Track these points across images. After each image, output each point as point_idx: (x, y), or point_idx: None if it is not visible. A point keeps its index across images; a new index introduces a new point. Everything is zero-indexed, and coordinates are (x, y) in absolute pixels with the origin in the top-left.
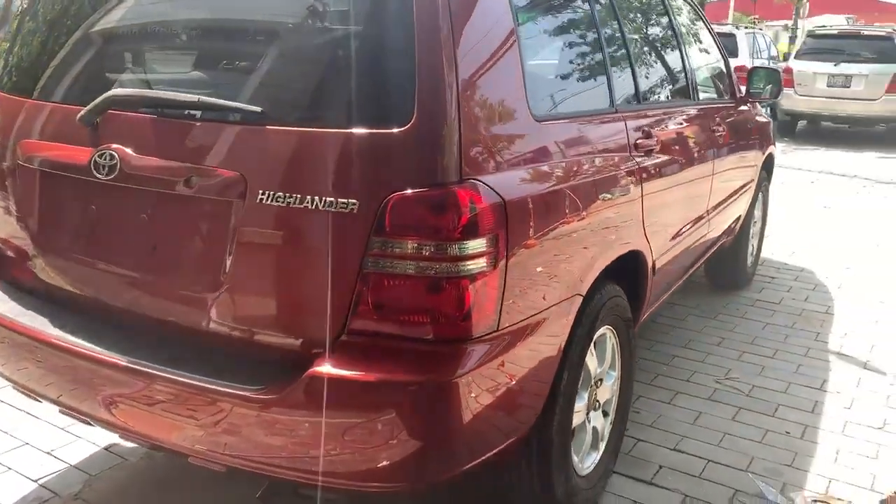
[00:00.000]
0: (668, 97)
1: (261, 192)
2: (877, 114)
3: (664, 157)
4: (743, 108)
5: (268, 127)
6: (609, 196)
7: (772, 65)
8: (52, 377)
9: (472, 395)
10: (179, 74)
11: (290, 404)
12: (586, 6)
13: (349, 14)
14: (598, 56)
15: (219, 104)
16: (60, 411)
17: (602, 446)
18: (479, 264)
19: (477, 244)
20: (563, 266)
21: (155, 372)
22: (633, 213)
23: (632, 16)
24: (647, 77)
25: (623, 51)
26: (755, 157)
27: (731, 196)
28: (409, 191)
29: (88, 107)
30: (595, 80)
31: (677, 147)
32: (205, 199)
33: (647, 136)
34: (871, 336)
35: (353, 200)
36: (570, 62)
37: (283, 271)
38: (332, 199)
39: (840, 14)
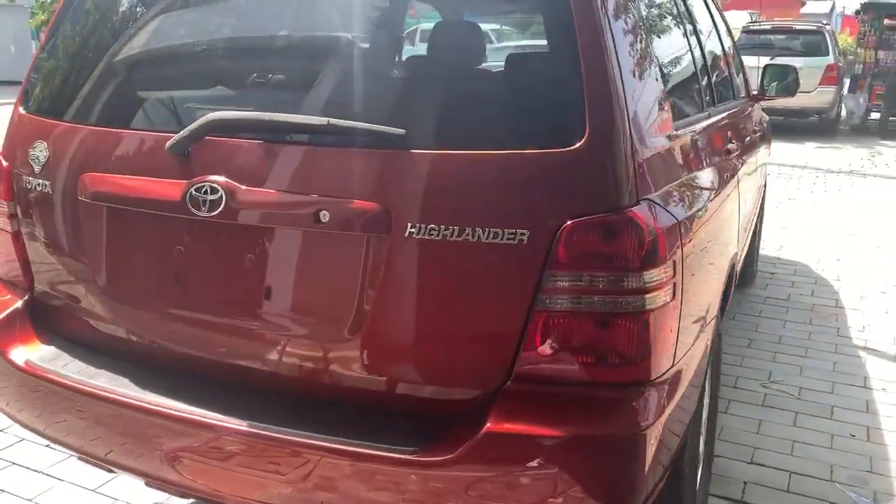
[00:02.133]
0: (725, 98)
1: (409, 225)
2: (812, 105)
3: (742, 159)
4: (754, 105)
5: (413, 151)
6: (731, 205)
7: None
8: (141, 446)
9: (655, 441)
10: (281, 94)
11: (464, 466)
12: (675, 11)
13: (503, 24)
14: (693, 63)
15: (354, 127)
16: (148, 483)
17: (701, 467)
18: (662, 295)
19: (659, 273)
20: (709, 285)
21: (286, 437)
22: (734, 220)
23: (698, 17)
24: (715, 79)
25: (700, 55)
26: (766, 154)
27: (757, 193)
28: (585, 216)
29: (184, 132)
30: (694, 86)
31: (740, 148)
32: (337, 236)
33: (730, 139)
34: (889, 328)
35: (523, 230)
36: (676, 70)
37: (436, 314)
38: (497, 229)
39: (744, 10)
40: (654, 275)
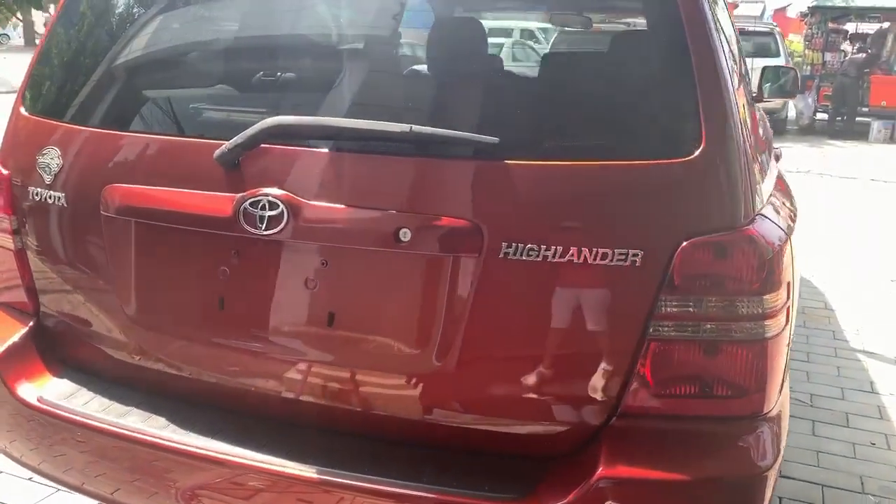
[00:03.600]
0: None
1: (505, 244)
2: (763, 107)
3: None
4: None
5: (508, 162)
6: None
7: None
8: (189, 497)
9: (774, 481)
10: (340, 97)
11: None
12: (724, 13)
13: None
14: (744, 65)
15: (440, 135)
16: None
17: None
18: (779, 320)
19: (777, 296)
20: (794, 306)
21: (365, 484)
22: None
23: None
24: (748, 78)
25: (739, 56)
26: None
27: None
28: (703, 234)
29: (237, 139)
30: (749, 89)
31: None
32: (419, 257)
33: (770, 144)
34: (882, 330)
35: (636, 250)
36: (741, 73)
37: (533, 346)
38: (606, 249)
39: None
40: (772, 299)
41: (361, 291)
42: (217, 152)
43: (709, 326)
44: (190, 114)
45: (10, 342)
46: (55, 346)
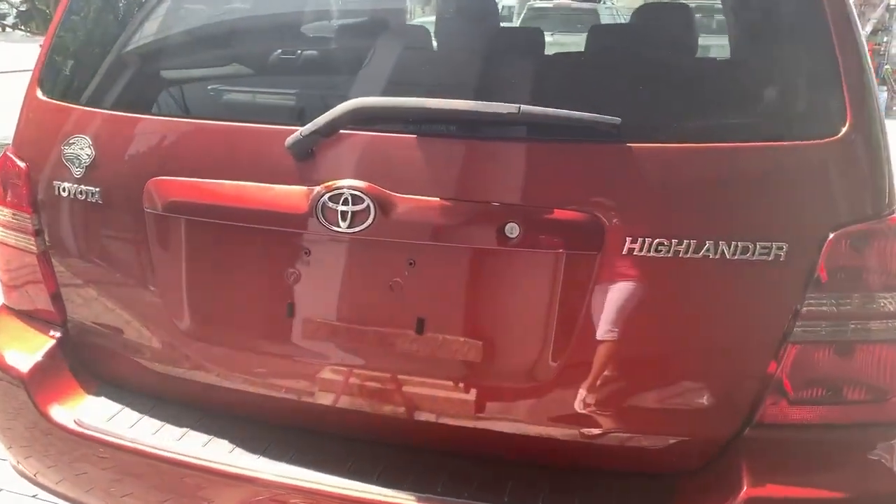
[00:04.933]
0: None
1: (629, 240)
2: None
3: None
4: None
5: (632, 145)
6: None
7: None
8: None
9: None
10: (431, 74)
11: None
12: None
13: None
14: None
15: (554, 116)
16: None
17: None
18: None
19: None
20: None
21: None
22: None
23: None
24: None
25: None
26: None
27: None
28: (851, 223)
29: (314, 124)
30: None
31: None
32: (529, 255)
33: None
34: None
35: (780, 243)
36: None
37: (658, 350)
38: (747, 243)
39: None
40: None
41: (456, 294)
42: (289, 139)
43: (853, 326)
44: (252, 96)
45: (37, 358)
46: (87, 360)
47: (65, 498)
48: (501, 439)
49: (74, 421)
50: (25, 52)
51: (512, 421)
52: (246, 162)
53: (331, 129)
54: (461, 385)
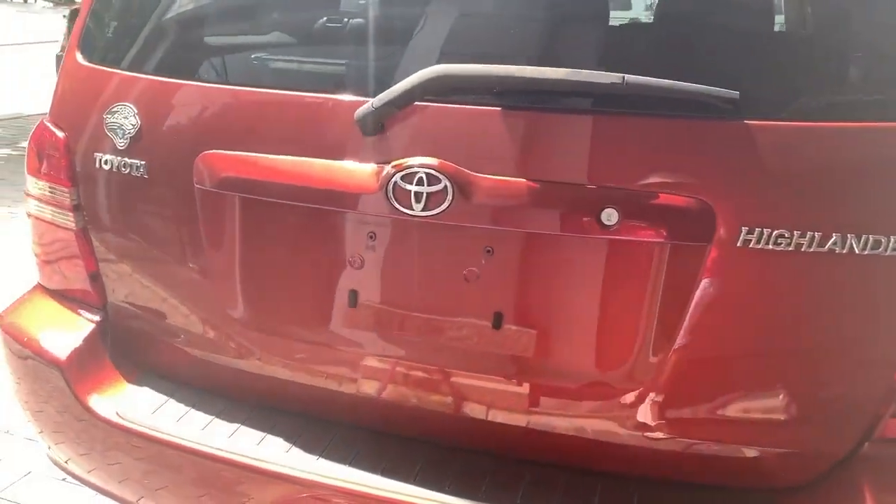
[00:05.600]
0: None
1: (745, 230)
2: None
3: None
4: None
5: (751, 123)
6: None
7: None
8: None
9: None
10: (506, 40)
11: None
12: None
13: None
14: None
15: (663, 87)
16: None
17: None
18: None
19: None
20: None
21: None
22: None
23: None
24: None
25: None
26: None
27: None
28: None
29: (388, 95)
30: None
31: None
32: (627, 245)
33: None
34: None
35: None
36: None
37: (771, 354)
38: (880, 237)
39: None
40: None
41: (539, 287)
42: (359, 112)
43: None
44: (316, 64)
45: (75, 343)
46: (127, 346)
47: (94, 487)
48: (585, 447)
49: (116, 413)
50: (47, 23)
51: (596, 428)
52: (308, 136)
53: (406, 100)
54: (541, 387)
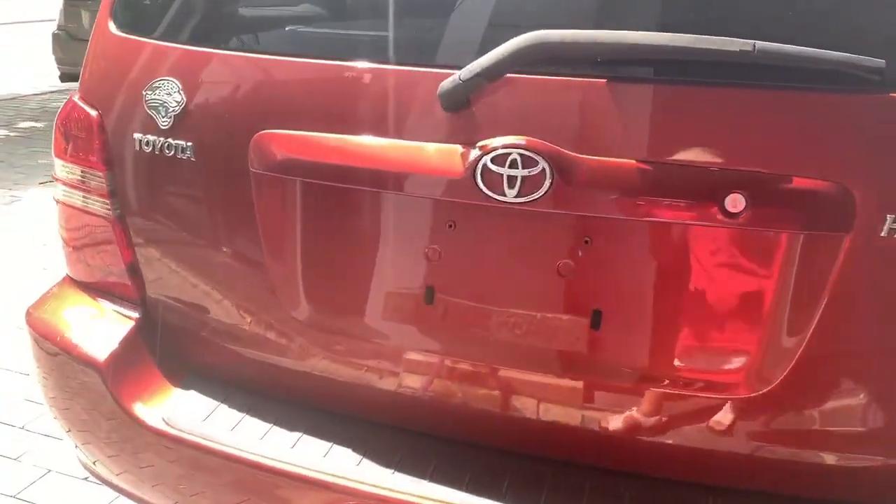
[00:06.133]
0: None
1: (891, 217)
2: None
3: None
4: None
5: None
6: None
7: None
8: None
9: None
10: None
11: None
12: None
13: None
14: None
15: (801, 56)
16: None
17: None
18: None
19: None
20: None
21: None
22: None
23: None
24: None
25: None
26: None
27: None
28: None
29: (477, 65)
30: None
31: None
32: (753, 235)
33: None
34: None
35: None
36: None
37: None
38: None
39: None
40: None
41: (647, 281)
42: (444, 85)
43: None
44: (389, 32)
45: (113, 342)
46: (170, 345)
47: (120, 490)
48: (698, 459)
49: (163, 420)
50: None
51: (711, 437)
52: (381, 113)
53: (498, 72)
54: (648, 393)
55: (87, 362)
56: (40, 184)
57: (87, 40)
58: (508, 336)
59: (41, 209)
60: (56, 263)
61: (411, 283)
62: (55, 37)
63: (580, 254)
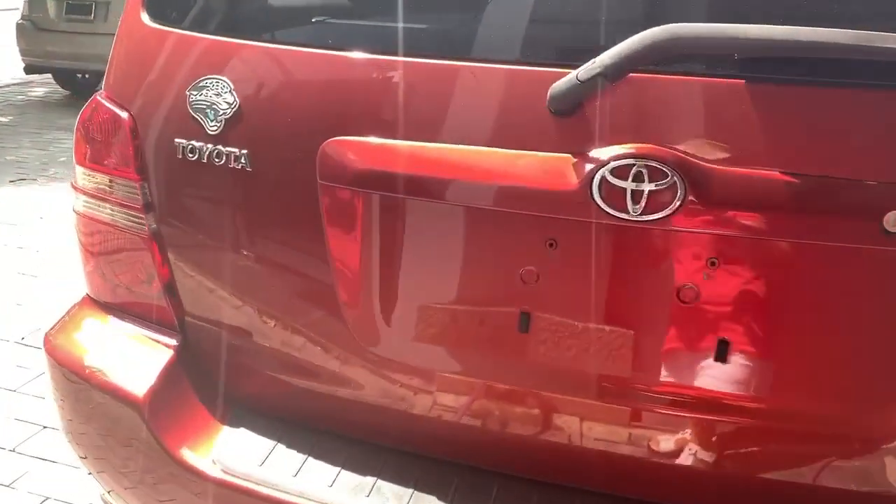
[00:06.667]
0: None
1: None
2: None
3: None
4: None
5: None
6: None
7: None
8: None
9: None
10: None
11: None
12: None
13: None
14: None
15: None
16: None
17: None
18: None
19: None
20: None
21: None
22: None
23: None
24: None
25: None
26: None
27: None
28: None
29: (600, 63)
30: None
31: None
32: None
33: None
34: None
35: None
36: None
37: None
38: None
39: None
40: None
41: (786, 308)
42: (558, 85)
43: None
44: (487, 24)
45: (152, 373)
46: (214, 377)
47: None
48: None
49: (213, 462)
50: None
51: (847, 483)
52: (475, 117)
53: (623, 71)
54: (780, 433)
55: (124, 399)
56: (11, 182)
57: (53, 30)
58: (615, 370)
59: (15, 209)
60: (33, 267)
61: (503, 308)
62: (19, 27)
63: (705, 277)
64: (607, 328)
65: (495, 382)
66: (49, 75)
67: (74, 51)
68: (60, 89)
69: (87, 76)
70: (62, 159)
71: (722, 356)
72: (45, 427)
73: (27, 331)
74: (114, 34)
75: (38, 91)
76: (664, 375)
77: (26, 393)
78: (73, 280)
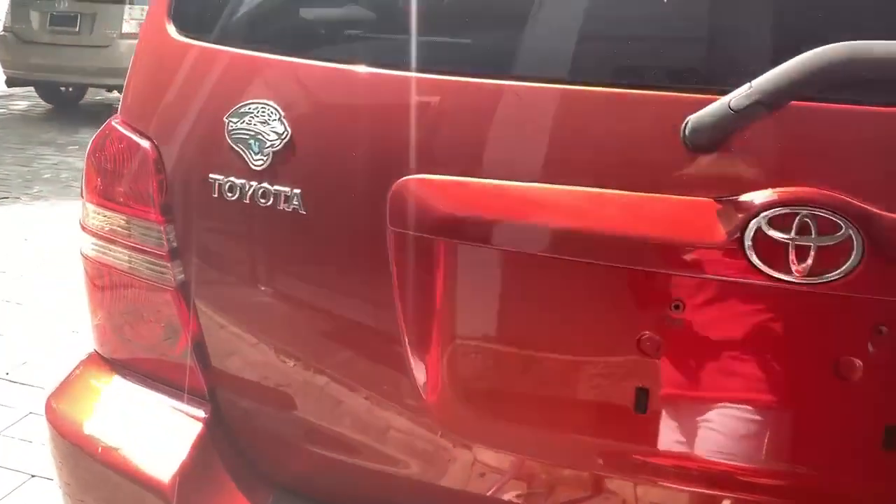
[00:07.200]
0: None
1: None
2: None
3: None
4: None
5: None
6: None
7: None
8: None
9: None
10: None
11: None
12: None
13: None
14: None
15: None
16: None
17: None
18: None
19: None
20: None
21: None
22: None
23: None
24: None
25: None
26: None
27: None
28: None
29: (757, 89)
30: None
31: None
32: None
33: None
34: None
35: None
36: None
37: None
38: None
39: None
40: None
41: None
42: (702, 115)
43: None
44: (602, 39)
45: (178, 453)
46: (250, 454)
47: None
48: None
49: None
50: None
51: None
52: (588, 153)
53: (784, 97)
54: None
55: (146, 484)
56: None
57: (37, 42)
58: (757, 460)
59: None
60: (18, 293)
61: (616, 383)
62: (1, 38)
63: (871, 349)
64: (743, 409)
65: (601, 472)
66: (31, 88)
67: (59, 63)
68: (43, 103)
69: (70, 89)
70: (46, 176)
71: (890, 443)
72: (33, 476)
73: (12, 365)
74: (100, 46)
75: (20, 105)
76: (810, 468)
77: (11, 436)
78: (63, 309)
